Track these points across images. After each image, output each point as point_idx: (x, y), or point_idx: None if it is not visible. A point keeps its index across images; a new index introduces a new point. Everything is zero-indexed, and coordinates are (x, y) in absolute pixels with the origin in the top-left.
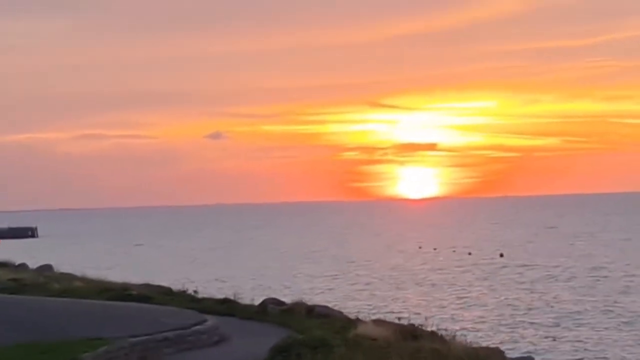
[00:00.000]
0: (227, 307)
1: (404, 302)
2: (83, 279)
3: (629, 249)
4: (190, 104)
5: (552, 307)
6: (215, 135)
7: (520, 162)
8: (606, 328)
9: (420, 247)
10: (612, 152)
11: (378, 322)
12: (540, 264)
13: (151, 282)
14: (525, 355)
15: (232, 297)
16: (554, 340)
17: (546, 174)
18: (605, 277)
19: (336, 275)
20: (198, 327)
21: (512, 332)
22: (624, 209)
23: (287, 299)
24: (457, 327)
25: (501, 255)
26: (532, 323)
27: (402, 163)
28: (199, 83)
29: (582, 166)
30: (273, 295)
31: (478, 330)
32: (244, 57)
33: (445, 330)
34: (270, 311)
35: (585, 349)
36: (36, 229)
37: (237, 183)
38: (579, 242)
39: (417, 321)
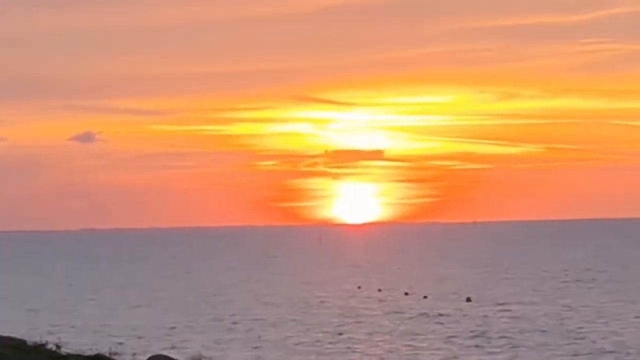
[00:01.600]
0: None
1: None
2: None
3: None
4: (50, 95)
5: None
6: (86, 137)
7: (493, 177)
8: None
9: (359, 287)
10: (611, 164)
11: None
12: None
13: None
14: None
15: (106, 354)
16: None
17: (526, 193)
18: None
19: (234, 324)
20: None
21: None
22: (630, 239)
23: (182, 357)
24: None
25: (468, 300)
26: None
27: (337, 176)
28: (61, 67)
29: (572, 182)
30: (164, 351)
31: None
32: (120, 34)
33: None
34: None
35: None
36: None
37: (114, 202)
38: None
39: None
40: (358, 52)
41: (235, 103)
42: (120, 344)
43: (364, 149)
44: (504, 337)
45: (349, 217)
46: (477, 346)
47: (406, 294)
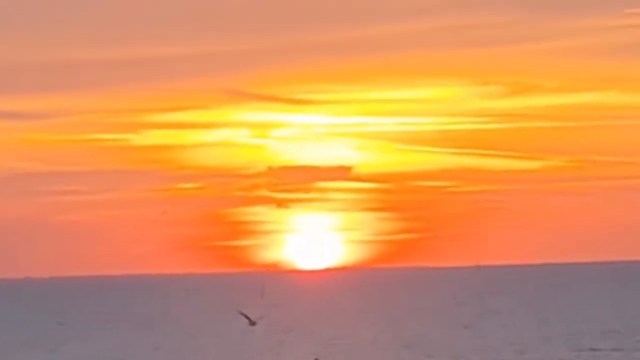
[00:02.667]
0: None
1: None
2: None
3: None
4: None
5: None
6: None
7: (502, 202)
8: None
9: None
10: None
11: None
12: None
13: None
14: None
15: None
16: None
17: (549, 225)
18: None
19: None
20: None
21: None
22: None
23: None
24: None
25: None
26: None
27: (285, 203)
28: None
29: (611, 210)
30: None
31: None
32: None
33: None
34: None
35: None
36: None
37: None
38: None
39: None
40: (314, 30)
41: (144, 102)
42: None
43: (323, 165)
44: None
45: (302, 260)
46: None
47: None
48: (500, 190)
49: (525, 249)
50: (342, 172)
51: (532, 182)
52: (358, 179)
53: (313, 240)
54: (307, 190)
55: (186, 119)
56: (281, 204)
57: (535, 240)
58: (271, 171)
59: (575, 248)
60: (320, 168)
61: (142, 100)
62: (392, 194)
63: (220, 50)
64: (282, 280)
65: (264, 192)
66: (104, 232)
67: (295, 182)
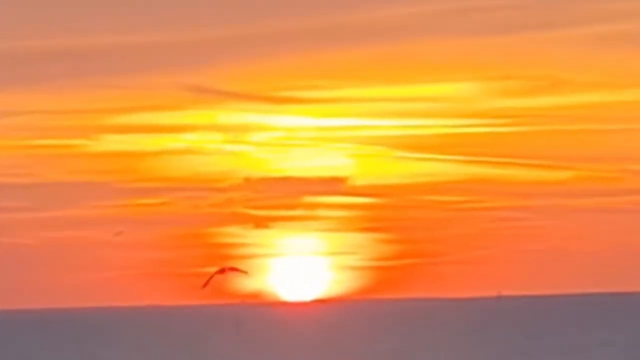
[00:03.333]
0: None
1: None
2: None
3: None
4: None
5: None
6: None
7: (528, 221)
8: None
9: None
10: None
11: None
12: None
13: None
14: None
15: None
16: None
17: (588, 247)
18: None
19: None
20: None
21: None
22: None
23: None
24: None
25: None
26: None
27: (264, 223)
28: None
29: None
30: None
31: None
32: None
33: None
34: None
35: None
36: None
37: None
38: None
39: None
40: (300, 14)
41: (97, 101)
42: None
43: (312, 177)
44: None
45: (286, 290)
46: None
47: None
48: (522, 207)
49: (555, 276)
50: (334, 185)
51: (561, 196)
52: (353, 192)
53: (299, 266)
54: (292, 207)
55: (147, 122)
56: (261, 223)
57: (567, 265)
58: (249, 184)
59: (614, 275)
60: (307, 180)
61: (95, 100)
62: (393, 210)
63: (187, 38)
64: (262, 313)
65: (241, 209)
66: (49, 257)
67: (278, 197)
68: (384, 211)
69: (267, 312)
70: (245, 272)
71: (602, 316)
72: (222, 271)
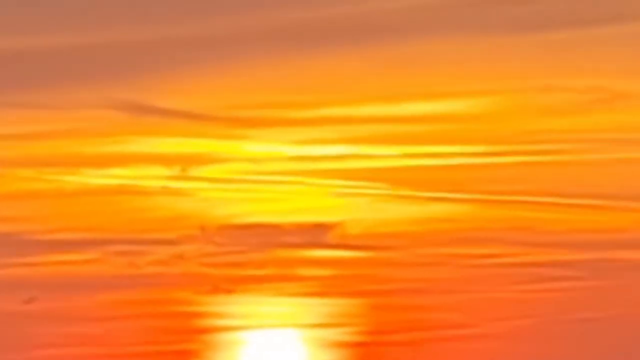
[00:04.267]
0: None
1: None
2: None
3: None
4: None
5: None
6: None
7: (578, 277)
8: None
9: None
10: None
11: None
12: None
13: None
14: None
15: None
16: None
17: None
18: None
19: None
20: None
21: None
22: None
23: None
24: None
25: None
26: None
27: (228, 287)
28: None
29: None
30: None
31: None
32: None
33: None
34: None
35: None
36: None
37: None
38: None
39: None
40: (270, 7)
41: None
42: None
43: (287, 223)
44: None
45: None
46: None
47: None
48: (570, 262)
49: (615, 355)
50: (316, 235)
51: (621, 248)
52: (342, 245)
53: (273, 342)
54: (261, 265)
55: (67, 151)
56: (221, 286)
57: (631, 340)
58: (205, 234)
59: None
60: (282, 228)
61: None
62: (395, 268)
63: (122, 39)
64: None
65: (195, 268)
66: None
67: (244, 251)
68: (383, 269)
69: None
70: None
71: None
72: None
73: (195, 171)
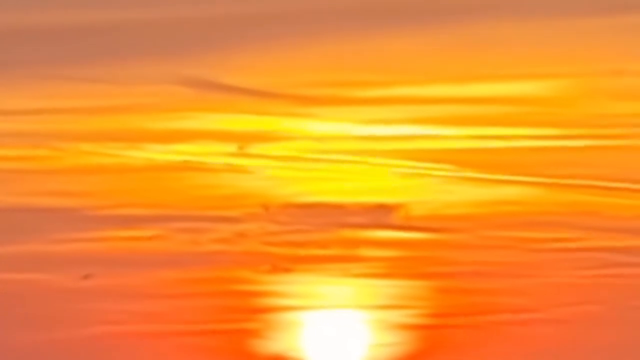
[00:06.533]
0: None
1: None
2: None
3: None
4: None
5: None
6: None
7: None
8: None
9: None
10: None
11: None
12: None
13: None
14: None
15: None
16: None
17: None
18: None
19: None
20: None
21: None
22: None
23: None
24: None
25: None
26: None
27: (290, 266)
28: None
29: None
30: None
31: None
32: None
33: None
34: None
35: None
36: None
37: None
38: None
39: None
40: None
41: (54, 98)
42: None
43: (352, 204)
44: None
45: (318, 355)
46: None
47: None
48: (637, 247)
49: None
50: (381, 216)
51: None
52: (406, 226)
53: (333, 323)
54: (324, 244)
55: (131, 127)
56: (283, 265)
57: None
58: (268, 212)
59: None
60: (346, 208)
61: (59, 97)
62: (460, 250)
63: (186, 16)
64: None
65: (257, 246)
66: None
67: (307, 231)
68: (448, 251)
69: None
70: None
71: None
72: None
73: (260, 149)
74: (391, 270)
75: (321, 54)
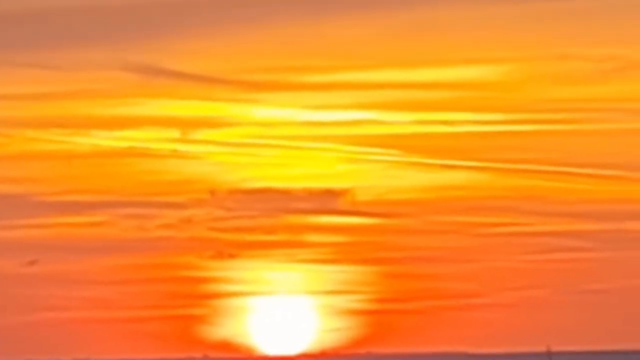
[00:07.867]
0: None
1: None
2: None
3: None
4: None
5: None
6: None
7: (586, 248)
8: None
9: None
10: None
11: None
12: None
13: None
14: None
15: None
16: None
17: None
18: None
19: None
20: None
21: None
22: None
23: None
24: None
25: None
26: None
27: (236, 251)
28: None
29: None
30: None
31: None
32: None
33: None
34: None
35: None
36: None
37: None
38: None
39: None
40: None
41: (1, 85)
42: None
43: (298, 189)
44: None
45: (263, 340)
46: None
47: None
48: (582, 232)
49: (624, 327)
50: (327, 201)
51: (635, 219)
52: (353, 211)
53: (279, 309)
54: (270, 230)
55: (77, 113)
56: (229, 251)
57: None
58: (214, 198)
59: None
60: (292, 193)
61: (6, 83)
62: (407, 235)
63: (129, 1)
64: None
65: (203, 232)
66: None
67: (253, 216)
68: (394, 236)
69: None
70: None
71: None
72: None
73: (205, 134)
74: (338, 255)
75: (266, 40)
